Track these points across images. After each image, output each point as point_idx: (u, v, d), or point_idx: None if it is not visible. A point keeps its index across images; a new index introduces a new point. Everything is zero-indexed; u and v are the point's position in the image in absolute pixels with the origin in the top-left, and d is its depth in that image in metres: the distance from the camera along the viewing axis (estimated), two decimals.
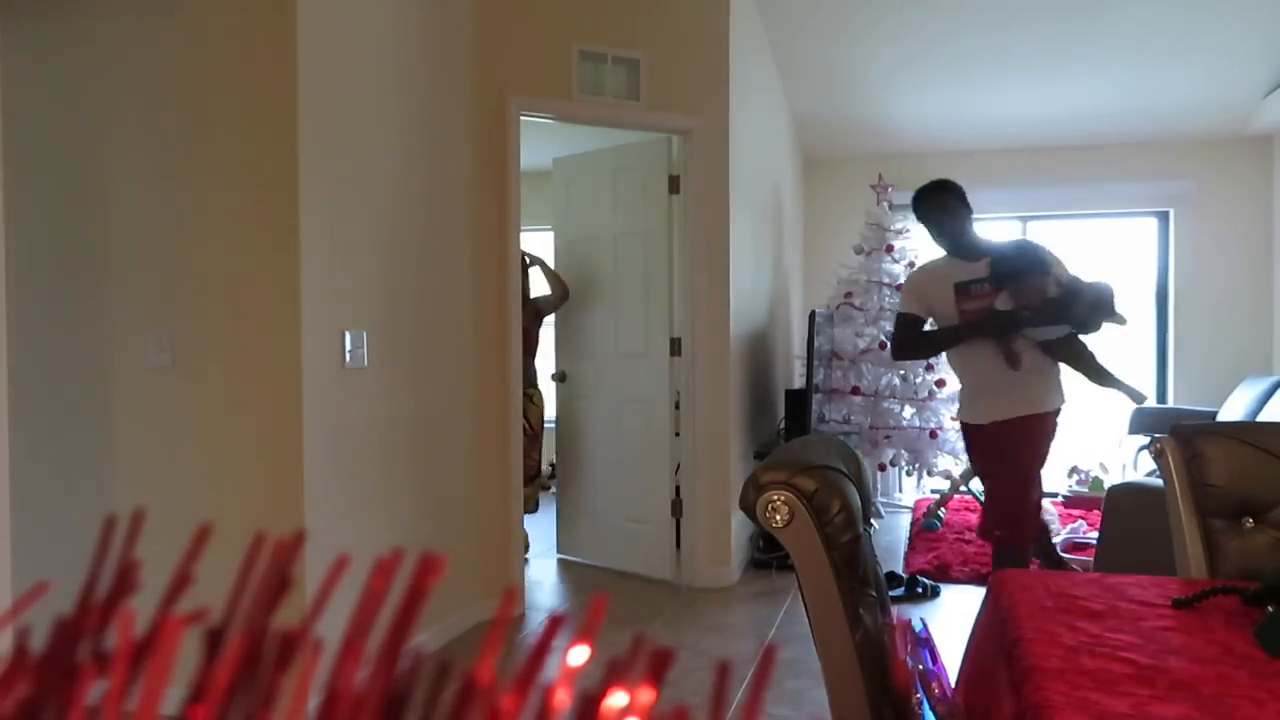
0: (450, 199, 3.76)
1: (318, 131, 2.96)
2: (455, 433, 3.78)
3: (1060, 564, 4.05)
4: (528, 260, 4.72)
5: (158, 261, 2.99)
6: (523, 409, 4.55)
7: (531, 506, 4.84)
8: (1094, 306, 3.38)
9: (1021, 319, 3.40)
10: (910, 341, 3.71)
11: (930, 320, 3.68)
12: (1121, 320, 3.50)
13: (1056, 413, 3.54)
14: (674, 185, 4.52)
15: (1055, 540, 4.90)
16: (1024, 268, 3.43)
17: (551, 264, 4.98)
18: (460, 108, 3.84)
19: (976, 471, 3.89)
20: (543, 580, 4.47)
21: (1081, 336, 3.51)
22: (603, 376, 4.87)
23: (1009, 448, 3.50)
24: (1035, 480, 3.54)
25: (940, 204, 3.59)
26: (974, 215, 3.67)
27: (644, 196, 4.64)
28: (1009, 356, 3.44)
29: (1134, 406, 3.64)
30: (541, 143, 4.93)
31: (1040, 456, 3.55)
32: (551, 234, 5.11)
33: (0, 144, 2.48)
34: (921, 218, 3.64)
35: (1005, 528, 3.49)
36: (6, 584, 2.40)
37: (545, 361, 5.02)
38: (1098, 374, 3.52)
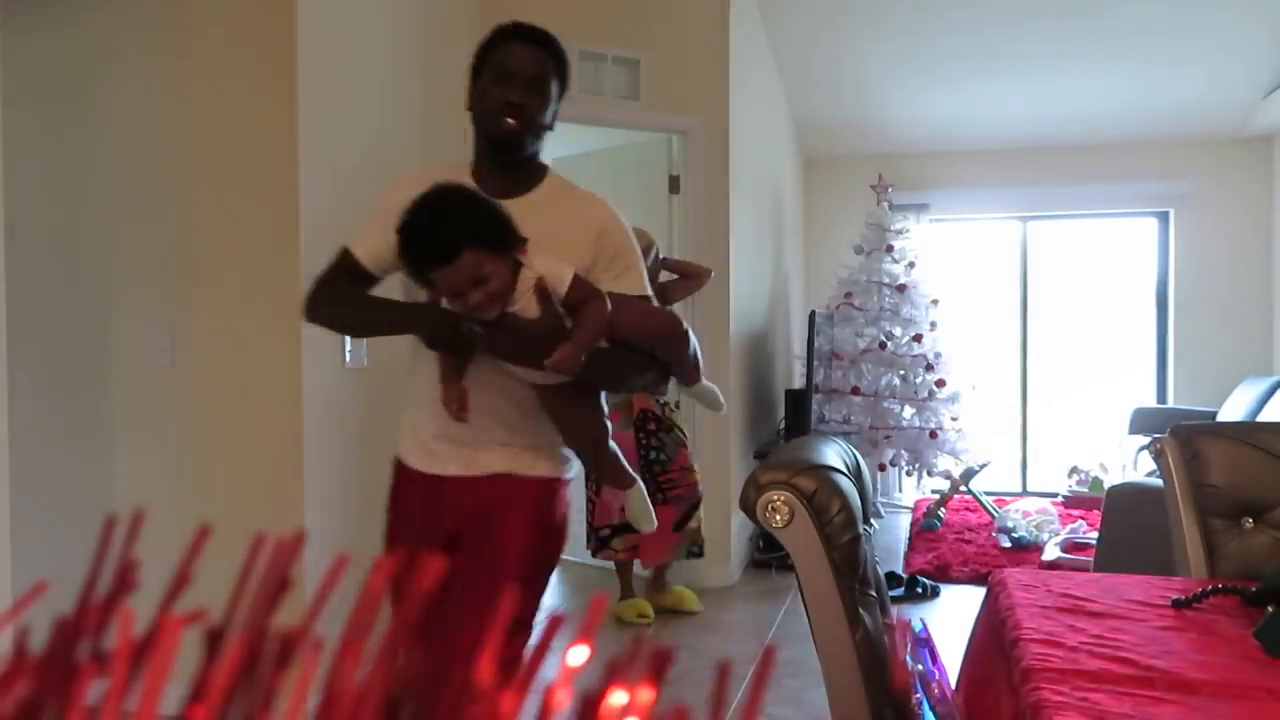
0: None
1: (318, 130, 2.96)
2: None
3: None
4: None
5: (158, 260, 2.99)
6: (662, 411, 3.96)
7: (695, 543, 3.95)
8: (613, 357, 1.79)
9: (473, 336, 1.78)
10: (336, 299, 1.98)
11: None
12: (713, 401, 2.04)
13: (554, 483, 1.86)
14: (674, 185, 4.52)
15: (1055, 540, 4.89)
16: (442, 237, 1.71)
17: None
18: (461, 107, 3.83)
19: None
20: None
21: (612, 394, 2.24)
22: None
23: (484, 541, 1.79)
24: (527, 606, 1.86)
25: (538, 75, 1.93)
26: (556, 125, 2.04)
27: (644, 196, 4.64)
28: (445, 393, 1.82)
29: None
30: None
31: (537, 565, 1.83)
32: None
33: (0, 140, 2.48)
34: (476, 68, 2.03)
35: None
36: (6, 584, 2.40)
37: None
38: (591, 460, 1.95)
